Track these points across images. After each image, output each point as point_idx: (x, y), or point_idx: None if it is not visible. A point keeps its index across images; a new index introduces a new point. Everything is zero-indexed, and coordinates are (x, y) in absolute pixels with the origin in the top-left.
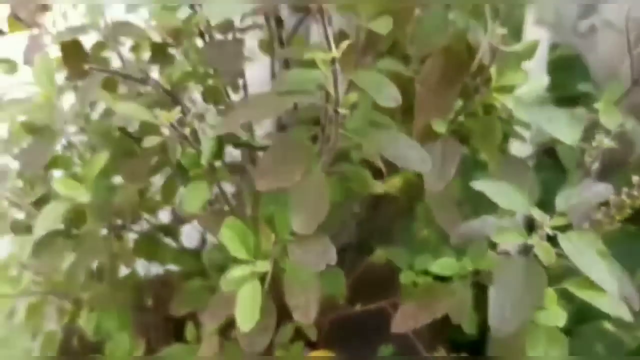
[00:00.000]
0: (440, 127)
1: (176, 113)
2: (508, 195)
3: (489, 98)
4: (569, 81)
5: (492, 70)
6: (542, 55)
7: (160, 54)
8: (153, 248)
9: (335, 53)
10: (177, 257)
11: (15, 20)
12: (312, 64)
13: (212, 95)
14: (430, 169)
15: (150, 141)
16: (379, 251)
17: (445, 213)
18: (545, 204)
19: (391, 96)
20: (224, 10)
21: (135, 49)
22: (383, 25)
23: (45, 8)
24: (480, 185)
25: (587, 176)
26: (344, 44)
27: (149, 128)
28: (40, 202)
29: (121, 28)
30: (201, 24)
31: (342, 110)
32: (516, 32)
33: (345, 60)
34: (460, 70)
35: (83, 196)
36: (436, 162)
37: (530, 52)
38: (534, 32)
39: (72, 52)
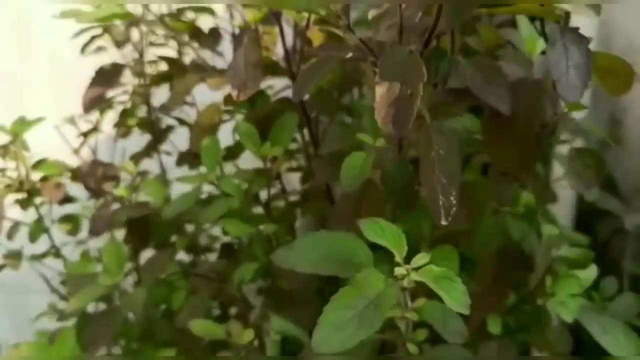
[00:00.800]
0: (494, 327)
1: (250, 334)
2: None
3: (542, 299)
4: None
5: (547, 279)
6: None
7: (228, 251)
8: None
9: (412, 314)
10: None
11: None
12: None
13: (275, 297)
14: None
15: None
16: None
17: None
18: None
19: (457, 331)
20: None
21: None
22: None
23: (112, 178)
24: None
25: None
26: (421, 301)
27: None
28: None
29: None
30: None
31: (411, 348)
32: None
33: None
34: (513, 272)
35: None
36: None
37: (585, 260)
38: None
39: (138, 227)
